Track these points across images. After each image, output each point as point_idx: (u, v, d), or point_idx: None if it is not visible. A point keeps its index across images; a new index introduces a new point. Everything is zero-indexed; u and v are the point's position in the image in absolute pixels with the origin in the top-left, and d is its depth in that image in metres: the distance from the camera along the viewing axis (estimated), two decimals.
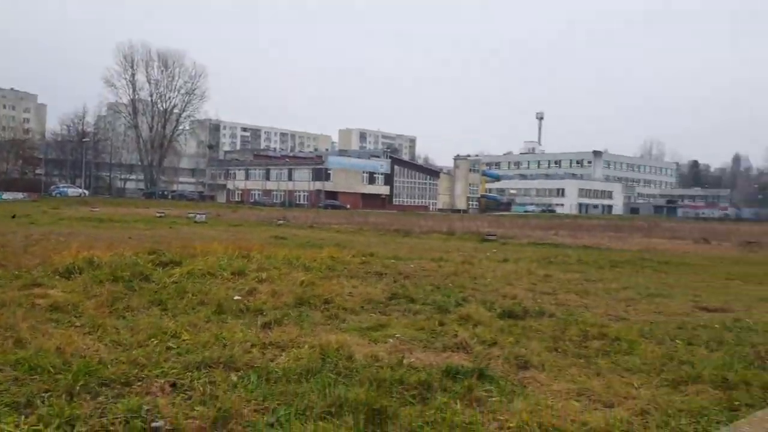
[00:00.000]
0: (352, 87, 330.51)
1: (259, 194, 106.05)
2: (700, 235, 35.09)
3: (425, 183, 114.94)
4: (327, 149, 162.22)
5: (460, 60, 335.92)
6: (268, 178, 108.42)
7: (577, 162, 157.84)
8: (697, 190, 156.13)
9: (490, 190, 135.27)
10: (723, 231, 44.30)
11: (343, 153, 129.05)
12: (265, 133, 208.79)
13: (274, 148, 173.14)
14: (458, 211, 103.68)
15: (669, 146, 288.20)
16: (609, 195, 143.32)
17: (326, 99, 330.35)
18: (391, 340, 6.84)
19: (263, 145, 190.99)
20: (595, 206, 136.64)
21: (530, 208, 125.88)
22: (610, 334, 7.68)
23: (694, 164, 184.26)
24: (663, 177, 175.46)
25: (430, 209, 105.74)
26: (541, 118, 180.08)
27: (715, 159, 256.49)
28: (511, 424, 4.56)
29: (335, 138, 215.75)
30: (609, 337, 7.53)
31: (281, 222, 37.87)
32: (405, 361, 5.98)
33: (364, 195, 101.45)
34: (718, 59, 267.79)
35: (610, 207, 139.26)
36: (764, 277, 15.54)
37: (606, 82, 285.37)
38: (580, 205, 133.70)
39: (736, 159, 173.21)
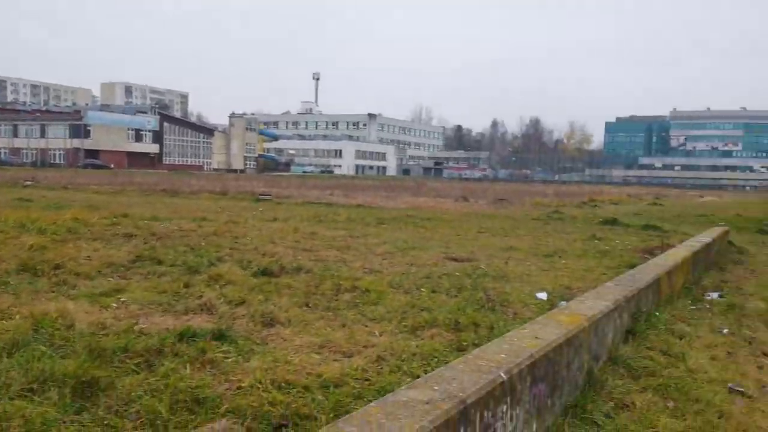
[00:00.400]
0: (118, 38, 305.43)
1: (5, 153, 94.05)
2: (460, 194, 37.93)
3: (199, 141, 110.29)
4: (87, 104, 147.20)
5: (236, 16, 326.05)
6: (16, 135, 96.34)
7: (354, 124, 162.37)
8: (460, 153, 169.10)
9: (268, 150, 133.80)
10: (480, 190, 48.47)
11: (105, 108, 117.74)
12: (12, 84, 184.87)
13: (24, 102, 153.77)
14: (235, 171, 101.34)
15: (436, 112, 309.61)
16: (383, 157, 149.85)
17: (88, 50, 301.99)
18: (114, 305, 6.23)
19: (10, 98, 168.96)
20: (371, 167, 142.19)
21: (309, 168, 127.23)
22: (362, 286, 7.81)
23: (459, 128, 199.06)
24: (431, 140, 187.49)
25: (205, 169, 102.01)
26: (317, 79, 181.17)
27: (477, 124, 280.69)
28: (243, 384, 4.35)
29: (96, 92, 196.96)
30: (360, 289, 7.64)
31: (29, 183, 34.19)
32: (137, 327, 5.47)
33: (130, 154, 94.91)
34: (483, 38, 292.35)
35: (384, 168, 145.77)
36: (510, 230, 17.13)
37: (384, 49, 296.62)
38: (357, 166, 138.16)
39: (494, 124, 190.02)
